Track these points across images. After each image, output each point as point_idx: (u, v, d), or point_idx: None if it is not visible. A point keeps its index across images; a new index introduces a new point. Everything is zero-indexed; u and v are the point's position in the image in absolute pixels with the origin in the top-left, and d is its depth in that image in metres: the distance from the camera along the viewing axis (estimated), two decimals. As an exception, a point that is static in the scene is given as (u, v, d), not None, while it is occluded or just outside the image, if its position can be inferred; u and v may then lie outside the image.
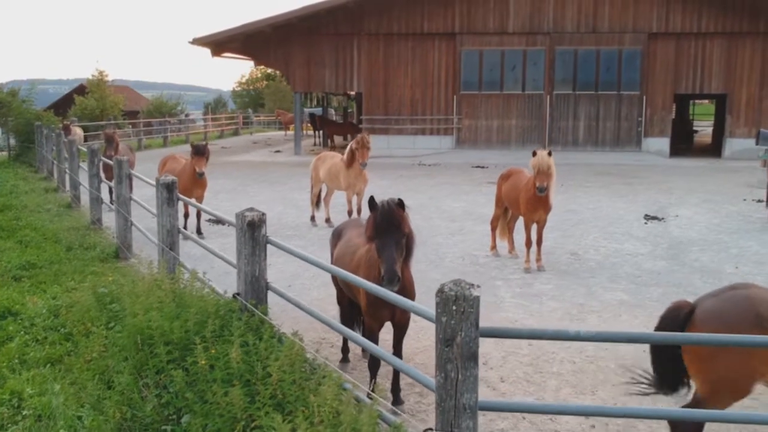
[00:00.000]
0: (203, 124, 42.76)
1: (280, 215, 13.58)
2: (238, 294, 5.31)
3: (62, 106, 56.84)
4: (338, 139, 32.79)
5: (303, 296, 7.73)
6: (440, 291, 3.04)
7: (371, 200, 4.73)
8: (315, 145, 34.03)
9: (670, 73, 25.29)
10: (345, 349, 6.20)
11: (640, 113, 25.50)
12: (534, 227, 9.38)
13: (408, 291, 4.88)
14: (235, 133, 47.03)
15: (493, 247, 10.23)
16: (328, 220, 12.42)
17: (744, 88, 25.25)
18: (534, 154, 8.98)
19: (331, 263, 5.82)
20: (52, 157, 18.25)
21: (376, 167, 22.35)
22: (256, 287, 5.23)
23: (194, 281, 6.31)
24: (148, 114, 55.95)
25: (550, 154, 8.95)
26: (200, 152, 10.83)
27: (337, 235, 6.12)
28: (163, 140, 35.23)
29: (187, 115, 54.09)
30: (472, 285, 3.08)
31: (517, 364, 6.15)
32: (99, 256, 9.68)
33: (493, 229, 10.22)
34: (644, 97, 25.42)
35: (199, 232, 11.41)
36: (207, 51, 26.70)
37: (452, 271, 9.38)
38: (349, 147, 11.43)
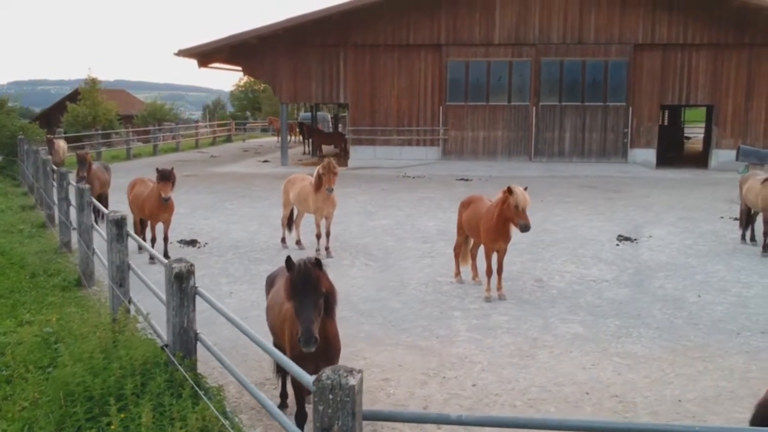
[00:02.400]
0: (194, 131, 42.59)
1: (252, 235, 13.56)
2: (166, 345, 5.29)
3: (56, 112, 56.93)
4: (328, 148, 32.81)
5: (258, 328, 7.69)
6: (317, 380, 3.02)
7: (288, 260, 4.71)
8: (304, 153, 34.04)
9: (656, 84, 25.28)
10: (283, 394, 6.18)
11: (626, 124, 25.49)
12: (495, 255, 9.35)
13: (330, 348, 4.87)
14: (228, 139, 47.05)
15: (457, 273, 10.21)
16: (298, 243, 12.41)
17: (730, 99, 25.24)
18: (510, 191, 8.62)
19: (266, 309, 5.82)
20: (31, 174, 18.24)
21: (360, 179, 22.38)
22: (184, 339, 5.21)
23: (136, 322, 6.31)
24: (142, 120, 56.03)
25: (525, 189, 8.81)
26: (165, 177, 10.79)
27: (270, 282, 6.10)
28: (153, 148, 35.19)
29: (177, 123, 54.12)
30: (351, 371, 3.06)
31: (456, 408, 6.13)
32: (60, 285, 9.66)
33: (457, 256, 10.21)
34: (630, 108, 25.41)
35: (166, 255, 11.37)
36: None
37: (413, 299, 9.36)
38: (316, 171, 11.41)
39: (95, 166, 14.39)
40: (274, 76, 26.52)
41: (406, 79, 25.99)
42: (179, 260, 5.29)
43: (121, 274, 7.41)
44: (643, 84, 25.30)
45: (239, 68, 28.06)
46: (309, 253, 11.90)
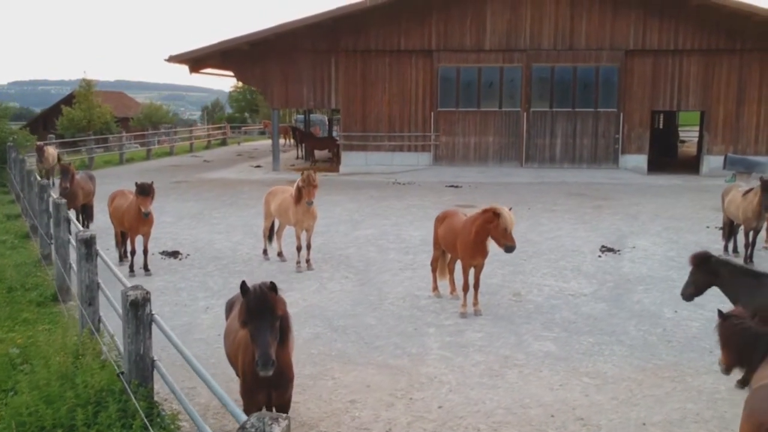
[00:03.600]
0: (189, 135, 42.57)
1: (236, 246, 13.55)
2: (122, 373, 5.27)
3: (53, 114, 56.91)
4: (321, 153, 32.81)
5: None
6: (242, 427, 3.00)
7: (243, 285, 4.69)
8: (297, 158, 34.03)
9: (648, 90, 25.29)
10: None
11: (617, 130, 25.49)
12: (471, 271, 9.33)
13: (283, 377, 4.85)
14: (223, 143, 47.02)
15: (435, 288, 10.19)
16: (280, 254, 12.40)
17: (721, 105, 25.25)
18: (497, 214, 8.47)
19: (224, 336, 5.81)
20: (18, 182, 18.23)
21: (349, 186, 22.36)
22: (140, 366, 5.20)
23: (98, 345, 6.29)
24: (138, 122, 56.01)
25: (510, 209, 8.71)
26: (145, 192, 10.76)
27: (229, 308, 6.08)
28: (146, 153, 35.19)
29: (173, 126, 54.06)
30: (277, 419, 3.04)
31: (420, 431, 6.11)
32: (36, 300, 9.65)
33: (434, 270, 10.19)
34: (621, 114, 25.42)
35: (146, 269, 11.36)
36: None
37: (389, 315, 9.34)
38: (296, 183, 11.38)
39: (79, 176, 14.37)
40: (266, 81, 26.52)
41: (398, 84, 25.99)
42: (135, 287, 5.27)
43: (90, 293, 7.39)
44: (634, 90, 25.30)
45: (231, 74, 28.04)
46: (290, 264, 11.90)
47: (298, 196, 11.30)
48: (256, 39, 25.58)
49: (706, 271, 7.11)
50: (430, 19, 25.41)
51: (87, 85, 46.02)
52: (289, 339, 4.93)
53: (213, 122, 69.82)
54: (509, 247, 8.50)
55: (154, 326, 5.34)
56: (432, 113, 25.96)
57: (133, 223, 11.13)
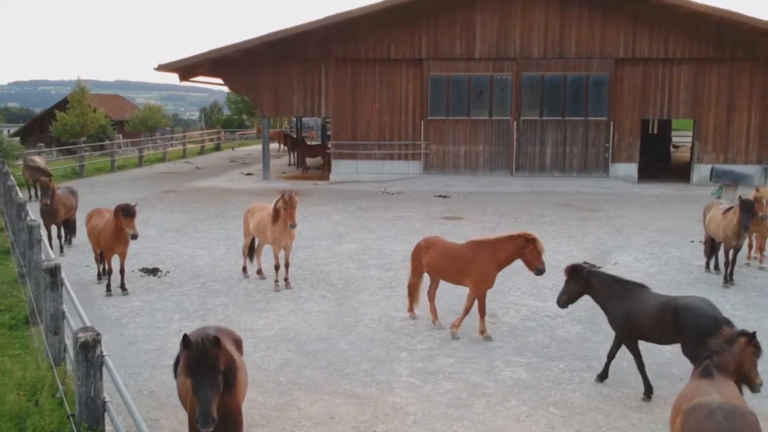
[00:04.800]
0: (182, 141, 42.49)
1: (217, 262, 13.50)
2: (72, 415, 5.23)
3: (49, 119, 56.78)
4: (314, 160, 32.75)
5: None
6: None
7: (185, 338, 4.65)
8: (290, 164, 33.99)
9: (638, 98, 25.26)
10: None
11: (607, 139, 25.46)
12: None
13: (230, 422, 4.80)
14: (217, 148, 46.93)
15: (410, 309, 10.13)
16: (259, 272, 12.35)
17: (711, 113, 25.22)
18: (531, 240, 8.88)
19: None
20: (1, 195, 18.17)
21: (338, 196, 22.31)
22: (91, 408, 5.16)
23: (54, 383, 6.25)
24: (133, 126, 55.93)
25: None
26: (130, 214, 10.64)
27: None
28: (138, 159, 35.11)
29: (171, 128, 54.00)
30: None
31: (380, 468, 6.07)
32: (9, 323, 9.60)
33: (410, 295, 10.09)
34: (611, 123, 25.39)
35: (123, 288, 11.30)
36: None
37: (362, 338, 9.30)
38: (274, 203, 11.32)
39: (60, 191, 14.33)
40: (256, 89, 26.49)
41: (388, 93, 25.96)
42: (85, 329, 5.24)
43: (55, 322, 7.35)
44: (625, 98, 25.28)
45: (221, 82, 27.99)
46: (269, 282, 11.83)
47: (276, 216, 11.24)
48: (246, 47, 25.54)
49: (578, 281, 7.74)
50: (420, 27, 25.38)
51: (81, 90, 45.90)
52: (236, 386, 4.88)
53: (211, 123, 69.73)
54: (541, 270, 8.85)
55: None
56: (422, 121, 25.93)
57: (109, 243, 11.08)
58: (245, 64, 25.95)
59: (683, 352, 6.92)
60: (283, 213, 11.07)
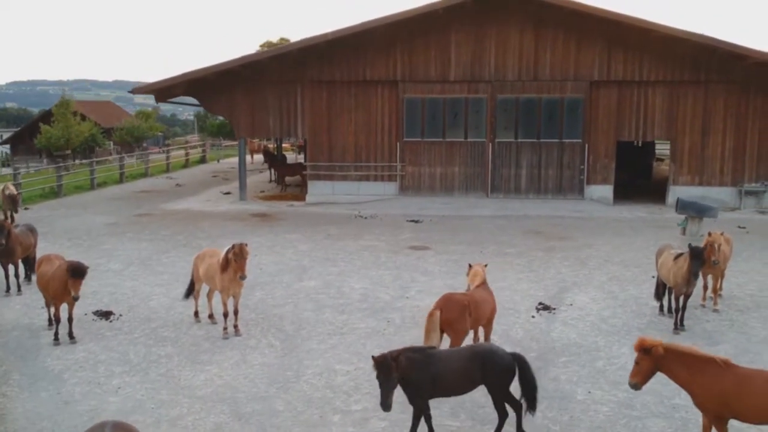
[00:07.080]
0: (165, 154, 42.44)
1: (172, 303, 13.41)
2: None
3: (33, 131, 56.67)
4: (293, 178, 32.72)
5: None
6: None
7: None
8: (270, 181, 33.95)
9: (613, 120, 25.29)
10: None
11: (582, 161, 25.48)
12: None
13: None
14: (202, 160, 46.89)
15: None
16: (211, 316, 12.30)
17: (686, 135, 25.27)
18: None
19: None
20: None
21: (309, 222, 22.29)
22: None
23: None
24: (120, 138, 55.91)
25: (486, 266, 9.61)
26: (79, 275, 10.58)
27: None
28: (119, 176, 35.04)
29: (156, 141, 54.11)
30: None
31: None
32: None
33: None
34: (586, 145, 25.41)
35: (71, 336, 11.25)
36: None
37: (299, 397, 9.26)
38: (225, 253, 11.27)
39: (18, 230, 14.29)
40: (232, 110, 26.47)
41: (364, 114, 25.96)
42: None
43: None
44: (600, 120, 25.31)
45: (197, 103, 27.97)
46: (220, 328, 11.78)
47: (225, 264, 11.21)
48: (222, 69, 25.51)
49: (388, 370, 7.30)
50: (395, 49, 25.39)
51: (65, 103, 45.86)
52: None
53: (205, 128, 69.54)
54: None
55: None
56: (398, 143, 25.93)
57: (57, 293, 11.02)
58: (221, 86, 25.93)
59: None
60: (234, 264, 11.03)
